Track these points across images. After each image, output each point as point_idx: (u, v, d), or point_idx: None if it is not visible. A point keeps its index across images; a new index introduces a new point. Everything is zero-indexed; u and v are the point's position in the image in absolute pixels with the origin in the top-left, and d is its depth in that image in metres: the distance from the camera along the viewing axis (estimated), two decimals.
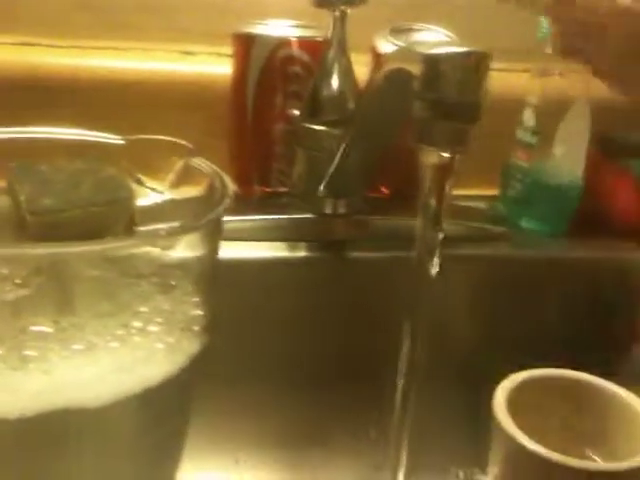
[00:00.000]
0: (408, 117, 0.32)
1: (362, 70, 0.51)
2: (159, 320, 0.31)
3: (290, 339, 0.50)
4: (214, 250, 0.31)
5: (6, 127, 0.34)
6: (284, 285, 0.49)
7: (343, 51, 0.46)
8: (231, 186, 0.31)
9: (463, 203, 0.57)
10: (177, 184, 0.35)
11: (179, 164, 0.35)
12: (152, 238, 0.26)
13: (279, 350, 0.50)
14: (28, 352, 0.27)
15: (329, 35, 0.46)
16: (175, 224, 0.27)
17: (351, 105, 0.46)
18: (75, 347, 0.28)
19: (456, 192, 0.33)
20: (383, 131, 0.39)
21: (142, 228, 0.37)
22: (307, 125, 0.48)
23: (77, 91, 0.56)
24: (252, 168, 0.55)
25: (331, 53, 0.46)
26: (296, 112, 0.53)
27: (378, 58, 0.54)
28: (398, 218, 0.54)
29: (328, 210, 0.50)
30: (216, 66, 0.58)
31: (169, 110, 0.57)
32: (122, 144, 0.36)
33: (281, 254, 0.50)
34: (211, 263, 0.32)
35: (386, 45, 0.53)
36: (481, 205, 0.60)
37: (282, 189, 0.55)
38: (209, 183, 0.34)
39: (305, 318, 0.50)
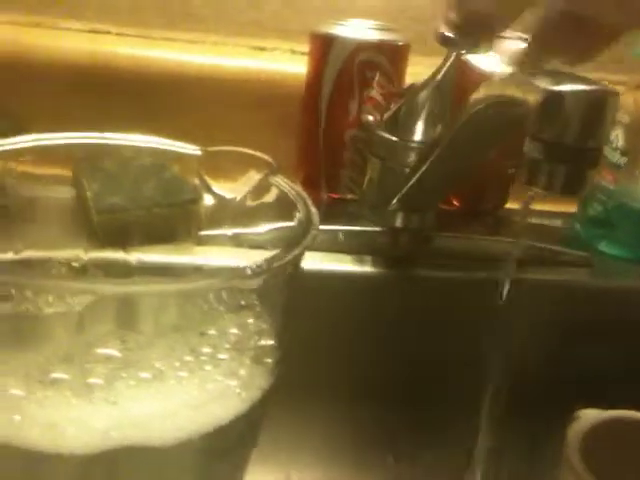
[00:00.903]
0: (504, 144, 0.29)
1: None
2: (227, 346, 0.29)
3: (350, 354, 0.48)
4: (291, 279, 0.29)
5: (78, 129, 0.33)
6: (346, 299, 0.47)
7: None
8: (316, 214, 0.29)
9: (537, 220, 0.54)
10: (252, 198, 0.33)
11: (257, 179, 0.33)
12: (235, 278, 0.24)
13: (338, 364, 0.48)
14: (94, 380, 0.26)
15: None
16: (259, 261, 0.25)
17: (436, 122, 0.43)
18: (142, 375, 0.27)
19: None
20: (473, 155, 0.36)
21: (208, 232, 0.36)
22: (384, 134, 0.45)
23: (144, 82, 0.55)
24: (321, 173, 0.53)
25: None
26: (370, 118, 0.50)
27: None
28: (468, 236, 0.51)
29: (398, 224, 0.48)
30: (290, 64, 0.56)
31: (238, 107, 0.55)
32: (199, 155, 0.34)
33: (346, 267, 0.48)
34: (286, 293, 0.30)
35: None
36: (556, 222, 0.57)
37: (350, 196, 0.53)
38: (281, 195, 0.32)
39: (363, 334, 0.48)
